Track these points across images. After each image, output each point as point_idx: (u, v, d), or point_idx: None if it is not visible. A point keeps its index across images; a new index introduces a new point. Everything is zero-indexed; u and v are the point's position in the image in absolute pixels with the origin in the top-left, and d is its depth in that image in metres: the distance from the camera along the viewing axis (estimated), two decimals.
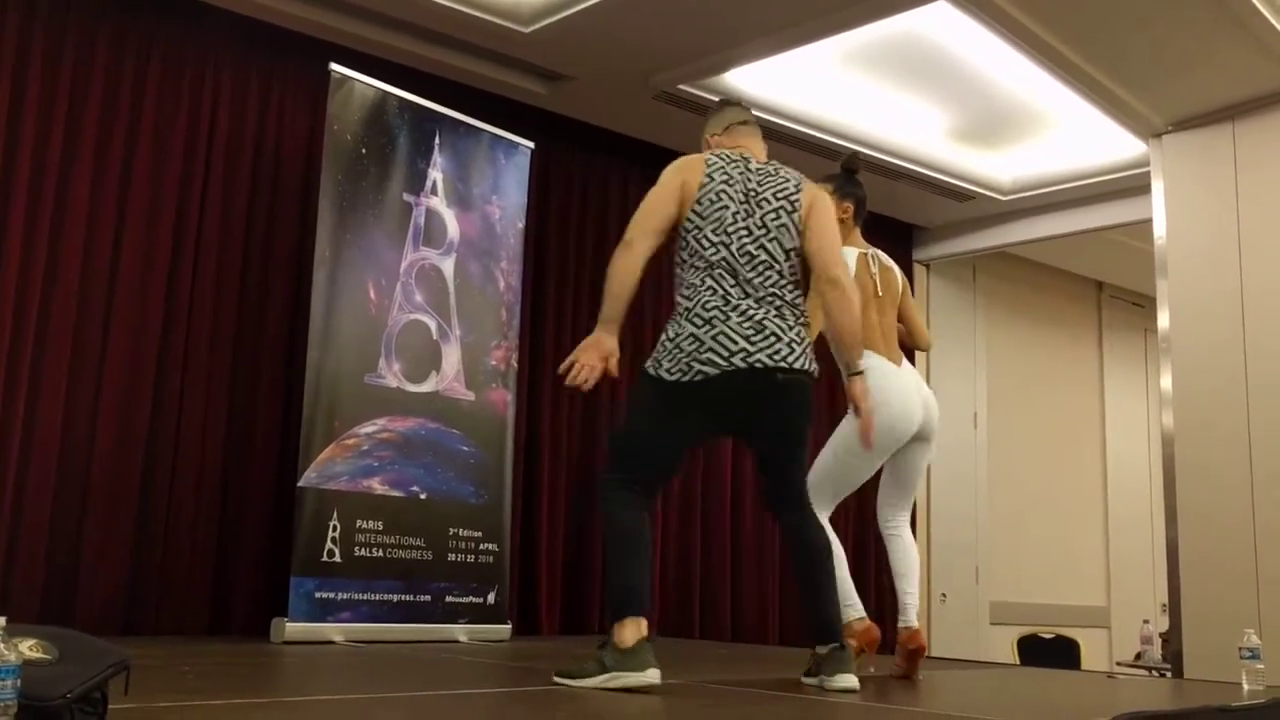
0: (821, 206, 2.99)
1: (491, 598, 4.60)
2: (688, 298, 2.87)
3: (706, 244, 2.86)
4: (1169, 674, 5.25)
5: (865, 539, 5.89)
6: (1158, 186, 5.28)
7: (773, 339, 2.79)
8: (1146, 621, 6.71)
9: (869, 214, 3.74)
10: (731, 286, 2.83)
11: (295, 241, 4.66)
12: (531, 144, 5.07)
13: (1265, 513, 4.68)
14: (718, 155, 2.98)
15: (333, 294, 4.27)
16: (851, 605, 3.36)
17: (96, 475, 4.11)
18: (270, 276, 4.62)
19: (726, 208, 2.88)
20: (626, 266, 2.85)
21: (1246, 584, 4.66)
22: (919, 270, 7.08)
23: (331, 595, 4.07)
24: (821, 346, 3.09)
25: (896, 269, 3.73)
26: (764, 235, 2.89)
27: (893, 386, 3.40)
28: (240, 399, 4.49)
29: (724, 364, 2.76)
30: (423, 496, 4.43)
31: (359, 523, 4.20)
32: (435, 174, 4.68)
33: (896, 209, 6.58)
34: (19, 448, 3.95)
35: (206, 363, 4.42)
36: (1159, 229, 5.25)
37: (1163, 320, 5.18)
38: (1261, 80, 4.76)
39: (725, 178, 2.92)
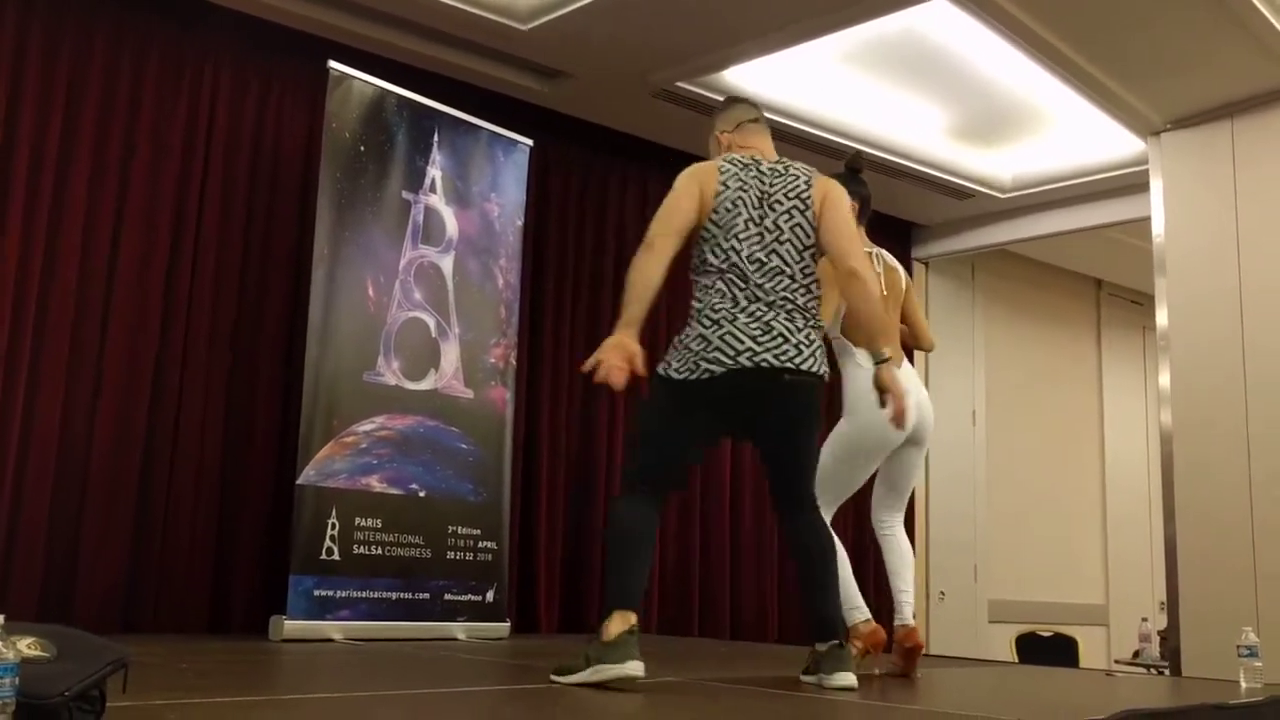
0: (834, 198, 3.00)
1: (490, 595, 4.60)
2: (698, 300, 2.90)
3: (719, 252, 2.88)
4: (1167, 672, 5.25)
5: (863, 541, 5.88)
6: (1156, 184, 5.28)
7: (780, 340, 2.80)
8: (1145, 619, 6.71)
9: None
10: (741, 290, 2.84)
11: (294, 239, 4.66)
12: (530, 142, 5.07)
13: (1264, 510, 4.69)
14: (730, 162, 2.99)
15: (331, 292, 4.27)
16: (857, 608, 3.36)
17: (95, 473, 4.11)
18: (269, 274, 4.62)
19: (740, 215, 2.90)
20: (649, 268, 2.85)
21: (1245, 582, 4.66)
22: (918, 268, 7.08)
23: (330, 593, 4.07)
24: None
25: (901, 269, 3.73)
26: (776, 239, 2.90)
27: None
28: (239, 397, 4.49)
29: (730, 362, 2.77)
30: (421, 494, 4.43)
31: (358, 520, 4.20)
32: (434, 172, 4.68)
33: (896, 207, 6.57)
34: (17, 445, 3.95)
35: (205, 361, 4.42)
36: (1158, 227, 5.25)
37: (1161, 318, 5.18)
38: (1260, 78, 4.76)
39: (740, 185, 2.93)
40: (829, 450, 3.39)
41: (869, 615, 3.39)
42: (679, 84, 5.19)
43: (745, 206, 2.91)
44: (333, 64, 4.39)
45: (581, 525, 5.43)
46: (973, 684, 3.65)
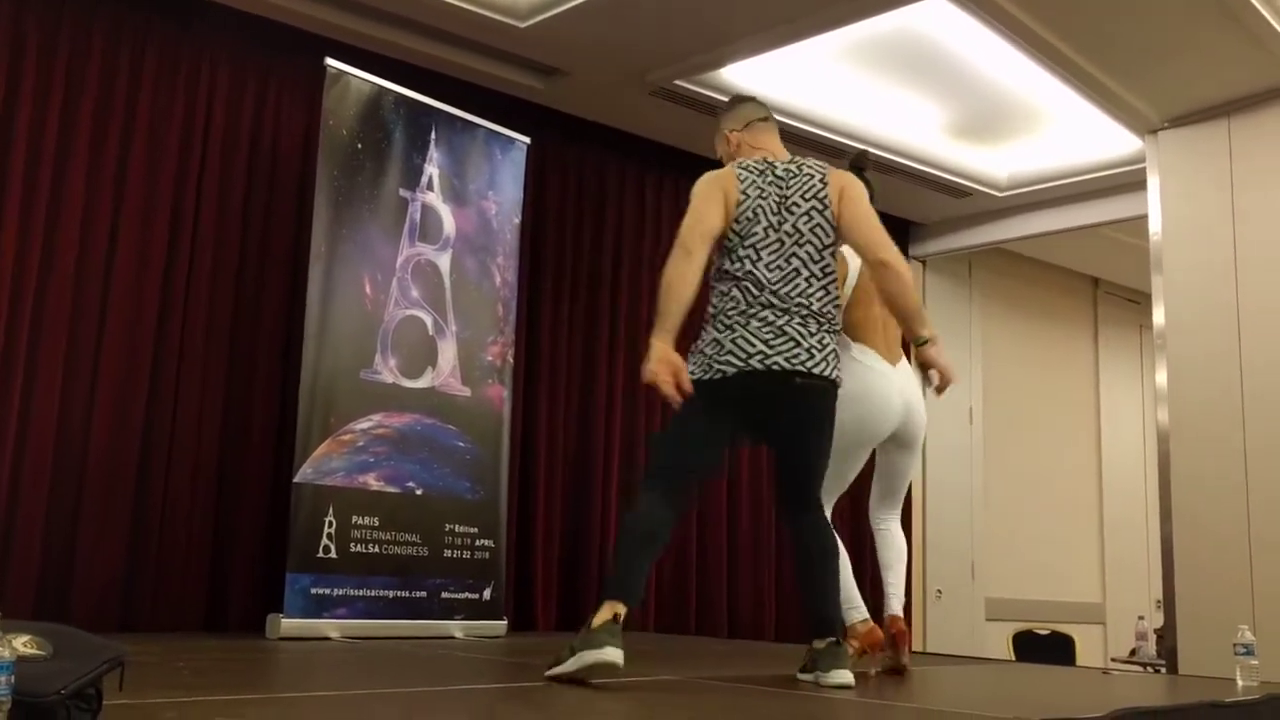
0: (851, 193, 3.01)
1: (487, 594, 4.60)
2: (713, 305, 2.92)
3: (736, 259, 2.90)
4: (1164, 670, 5.26)
5: (859, 538, 5.88)
6: (1153, 183, 5.28)
7: (791, 343, 2.82)
8: (1141, 618, 6.72)
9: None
10: (755, 297, 2.86)
11: (291, 237, 4.65)
12: (528, 139, 5.07)
13: (1260, 509, 4.69)
14: (746, 169, 2.99)
15: (328, 289, 4.26)
16: (855, 607, 3.37)
17: (92, 471, 4.10)
18: (266, 272, 4.62)
19: (759, 223, 2.91)
20: (688, 273, 2.85)
21: (1241, 580, 4.67)
22: (915, 266, 7.08)
23: (327, 591, 4.06)
24: None
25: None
26: (795, 243, 2.91)
27: (875, 384, 3.40)
28: (236, 394, 4.48)
29: (742, 364, 2.80)
30: (419, 492, 4.43)
31: (355, 519, 4.19)
32: (431, 169, 4.67)
33: (892, 205, 6.56)
34: (14, 443, 3.94)
35: (202, 358, 4.41)
36: (1154, 225, 5.25)
37: (1158, 316, 5.18)
38: (1257, 76, 4.77)
39: (759, 193, 2.94)
40: None
41: (867, 616, 3.40)
42: (677, 82, 5.19)
43: (764, 214, 2.92)
44: (330, 62, 4.38)
45: (579, 523, 5.43)
46: (969, 682, 3.66)
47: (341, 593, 4.11)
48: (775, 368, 2.80)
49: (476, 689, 2.79)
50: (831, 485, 3.45)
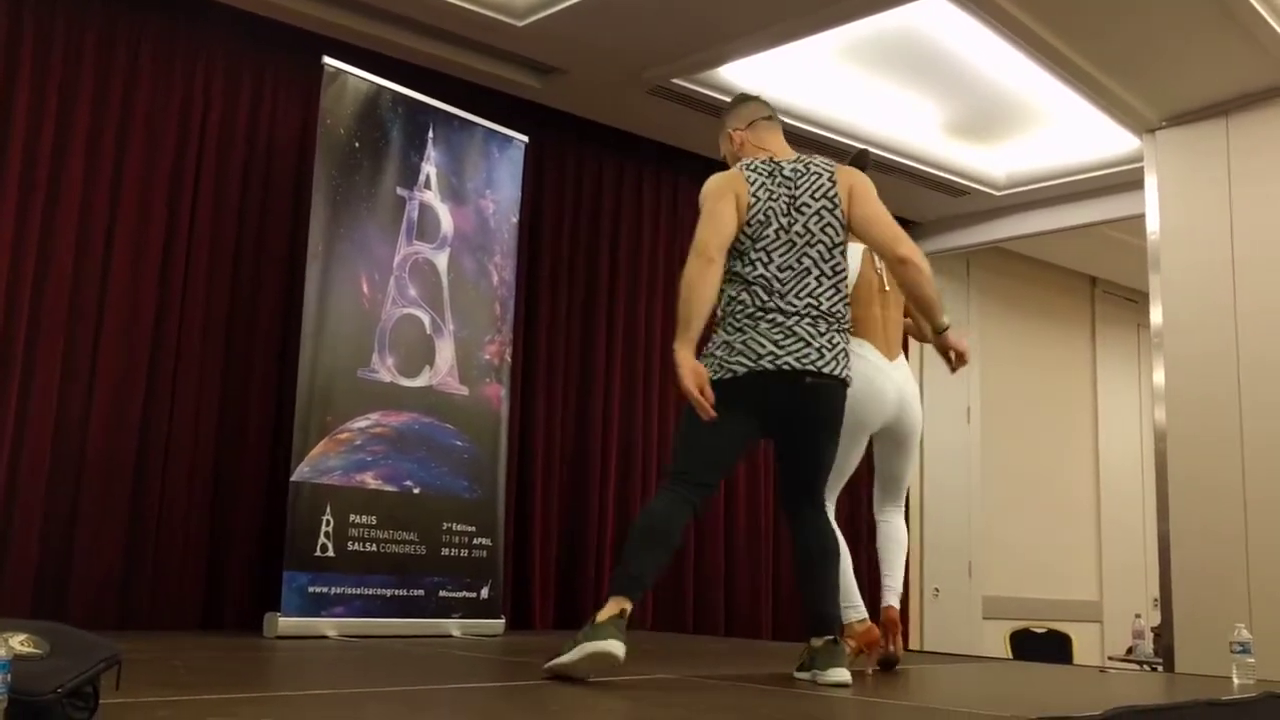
0: (860, 191, 3.02)
1: (485, 592, 4.60)
2: (724, 306, 2.91)
3: (748, 262, 2.90)
4: (1160, 668, 5.27)
5: (855, 533, 5.89)
6: (1151, 182, 5.28)
7: (801, 344, 2.83)
8: (1138, 616, 6.73)
9: None
10: (766, 299, 2.86)
11: (288, 236, 4.65)
12: (525, 138, 5.07)
13: (1257, 508, 4.69)
14: (754, 170, 2.99)
15: (326, 288, 4.26)
16: (854, 606, 3.39)
17: (89, 471, 4.10)
18: (263, 271, 4.61)
19: (770, 225, 2.91)
20: (710, 283, 2.85)
21: (1237, 579, 4.68)
22: None
23: (324, 590, 4.06)
24: None
25: None
26: (807, 243, 2.92)
27: (870, 374, 3.42)
28: (233, 393, 4.48)
29: (752, 364, 2.82)
30: (416, 491, 4.43)
31: (352, 517, 4.19)
32: (429, 168, 4.67)
33: (890, 204, 6.42)
34: (11, 441, 3.94)
35: (199, 357, 4.41)
36: (1152, 224, 5.25)
37: (1156, 315, 5.19)
38: (1255, 75, 4.77)
39: (769, 194, 2.94)
40: None
41: (865, 615, 3.42)
42: (674, 80, 5.19)
43: (775, 216, 2.92)
44: (327, 60, 4.38)
45: (576, 522, 5.43)
46: (966, 680, 3.66)
47: (339, 591, 4.11)
48: (786, 367, 2.81)
49: (474, 688, 2.79)
50: (832, 478, 3.46)
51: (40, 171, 4.12)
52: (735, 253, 2.92)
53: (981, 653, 6.18)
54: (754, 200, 2.93)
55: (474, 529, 4.60)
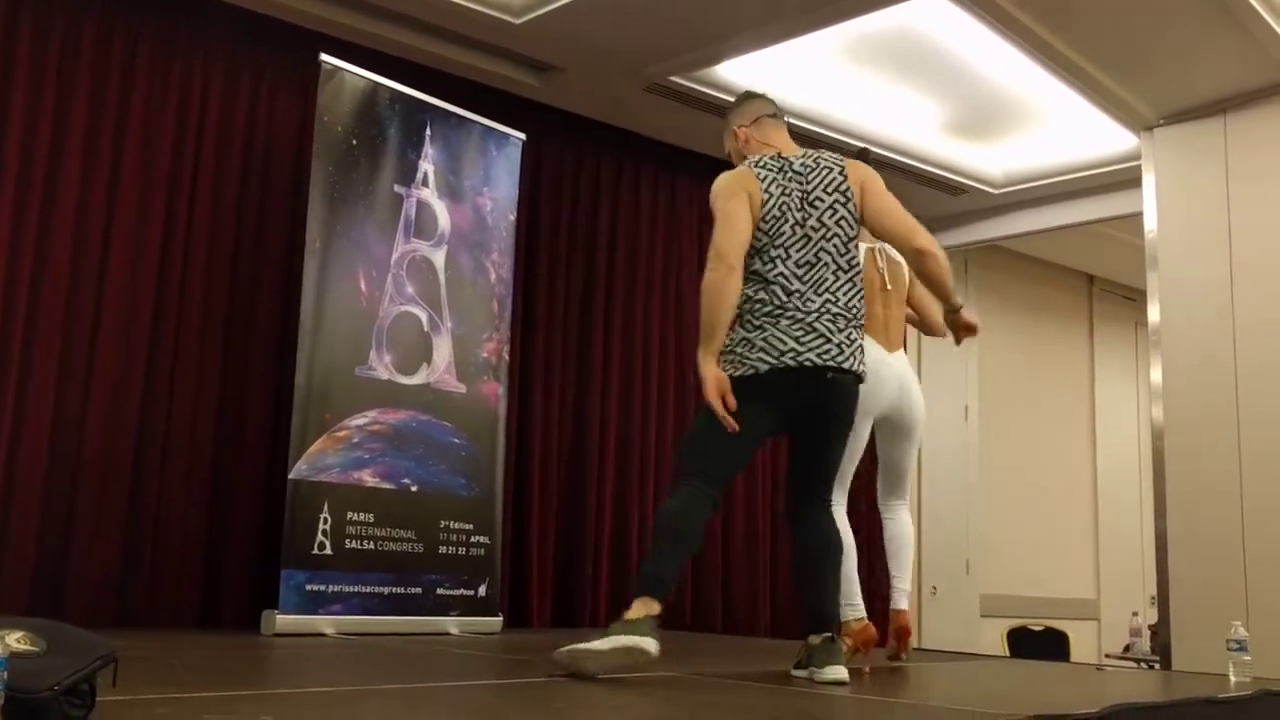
0: (872, 185, 3.03)
1: (483, 590, 4.60)
2: (742, 304, 2.89)
3: (767, 260, 2.89)
4: (1157, 666, 5.27)
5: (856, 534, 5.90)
6: (1149, 180, 5.28)
7: (822, 340, 2.84)
8: (1135, 614, 6.73)
9: None
10: (785, 298, 2.86)
11: (285, 233, 4.64)
12: (523, 135, 5.06)
13: (1254, 506, 4.70)
14: (763, 166, 2.98)
15: (323, 286, 4.26)
16: (852, 605, 3.40)
17: (87, 468, 4.10)
18: (260, 268, 4.61)
19: (786, 221, 2.91)
20: (733, 290, 2.85)
21: (1235, 577, 4.68)
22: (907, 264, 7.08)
23: (322, 588, 4.06)
24: None
25: (903, 261, 3.77)
26: (823, 238, 2.92)
27: (873, 367, 3.43)
28: (231, 391, 4.48)
29: (774, 361, 2.81)
30: (414, 489, 4.43)
31: (350, 515, 4.19)
32: (426, 165, 4.67)
33: None
34: (8, 440, 3.94)
35: (197, 355, 4.40)
36: (1150, 222, 5.25)
37: (1153, 314, 5.19)
38: (1253, 74, 4.77)
39: (782, 190, 2.94)
40: None
41: (863, 614, 3.44)
42: (672, 78, 5.18)
43: (790, 211, 2.92)
44: (325, 57, 4.37)
45: (574, 520, 5.43)
46: (964, 678, 3.66)
47: (336, 589, 4.10)
48: (807, 364, 2.82)
49: (471, 685, 2.79)
50: (841, 470, 3.47)
51: (37, 170, 4.11)
52: (753, 250, 2.91)
53: (979, 651, 6.18)
54: (767, 197, 2.92)
55: (471, 527, 4.60)
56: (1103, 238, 7.04)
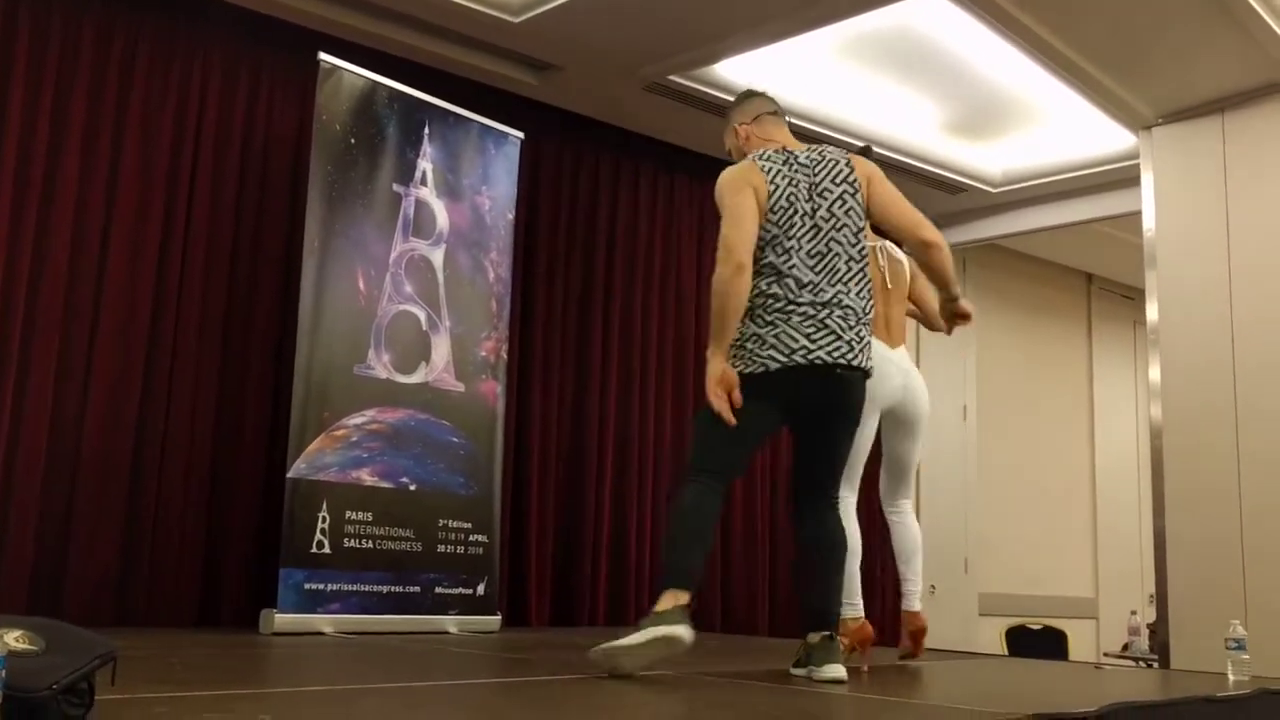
0: (877, 178, 3.05)
1: (481, 589, 4.60)
2: (755, 298, 2.88)
3: (780, 251, 2.88)
4: (1156, 665, 5.28)
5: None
6: (1147, 179, 5.28)
7: (833, 337, 2.84)
8: (1134, 613, 6.74)
9: None
10: (798, 290, 2.86)
11: (284, 232, 4.64)
12: (521, 134, 5.06)
13: (1253, 505, 4.70)
14: (767, 159, 2.98)
15: (322, 285, 4.26)
16: (852, 604, 3.41)
17: (85, 468, 4.09)
18: (259, 267, 4.61)
19: (795, 211, 2.91)
20: (743, 287, 2.83)
21: (1233, 576, 4.68)
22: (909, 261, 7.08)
23: (321, 587, 4.06)
24: None
25: (906, 260, 3.81)
26: (833, 228, 2.92)
27: (876, 363, 3.45)
28: (229, 390, 4.48)
29: (785, 359, 2.81)
30: (412, 488, 4.43)
31: (348, 514, 4.19)
32: (425, 164, 4.67)
33: None
34: (7, 439, 3.93)
35: (195, 354, 4.40)
36: (1148, 221, 5.26)
37: (1152, 313, 5.19)
38: (1251, 73, 4.77)
39: (788, 180, 2.93)
40: None
41: (861, 613, 3.45)
42: (670, 77, 5.18)
43: (799, 201, 2.92)
44: (323, 56, 4.37)
45: (572, 519, 5.43)
46: (962, 677, 3.66)
47: (335, 588, 4.10)
48: (818, 362, 2.82)
49: (470, 684, 2.79)
50: (851, 467, 3.47)
51: (35, 169, 4.11)
52: (766, 242, 2.89)
53: (977, 649, 6.18)
54: (773, 188, 2.91)
55: (470, 525, 4.60)
56: (1101, 237, 7.05)
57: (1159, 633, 5.06)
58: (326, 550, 4.10)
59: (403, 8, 4.66)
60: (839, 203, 2.94)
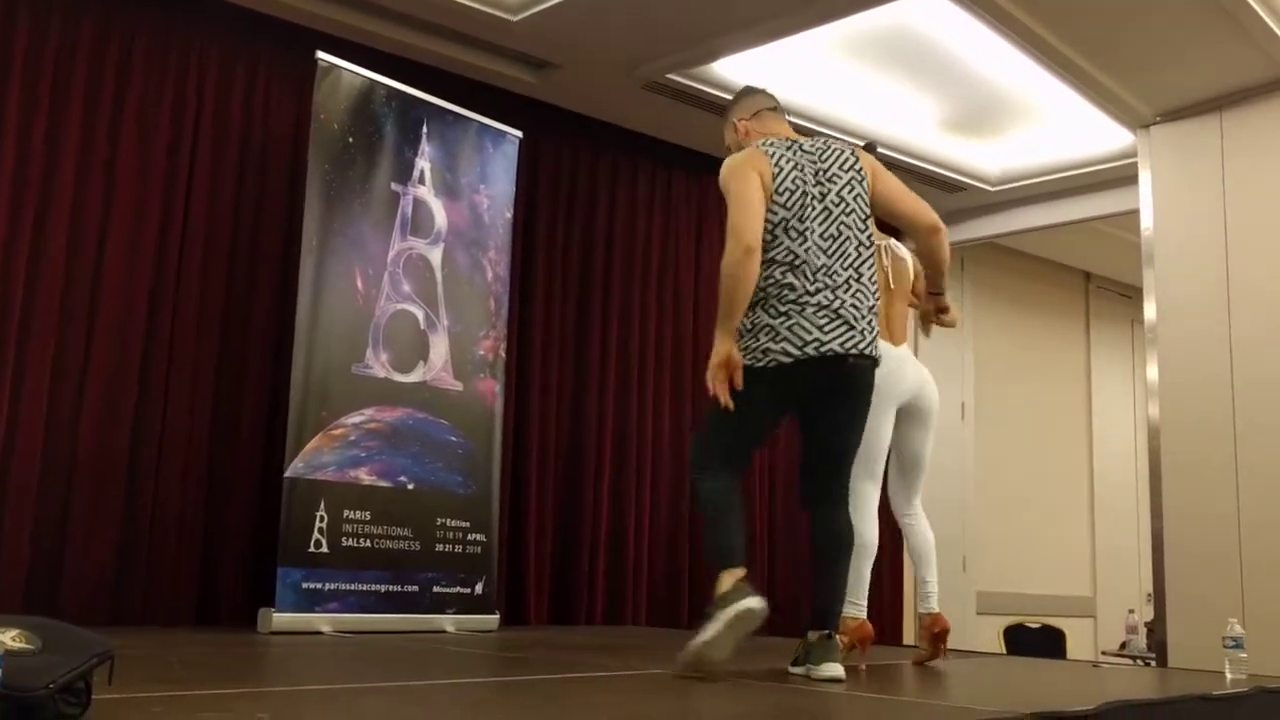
0: (881, 168, 3.08)
1: (479, 588, 4.60)
2: (763, 288, 2.86)
3: (794, 235, 2.87)
4: (1153, 663, 5.28)
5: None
6: (1145, 177, 5.29)
7: (845, 326, 2.84)
8: (1131, 611, 6.75)
9: None
10: (810, 278, 2.85)
11: (282, 231, 4.64)
12: (519, 133, 5.06)
13: (1250, 503, 4.70)
14: (770, 145, 2.97)
15: (320, 284, 4.26)
16: (855, 603, 3.41)
17: (82, 467, 4.09)
18: (257, 266, 4.60)
19: (805, 194, 2.91)
20: (753, 271, 2.82)
21: (1231, 574, 4.69)
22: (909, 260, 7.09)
23: (319, 586, 4.06)
24: None
25: (909, 258, 3.85)
26: (843, 212, 2.93)
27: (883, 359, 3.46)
28: (227, 389, 4.47)
29: (798, 352, 2.81)
30: (410, 487, 4.43)
31: (346, 513, 4.19)
32: (423, 163, 4.66)
33: None
34: (3, 438, 3.93)
35: (193, 353, 4.40)
36: (1146, 220, 5.26)
37: (1149, 311, 5.19)
38: (1249, 71, 4.77)
39: (794, 165, 2.94)
40: None
41: (863, 613, 3.44)
42: (668, 76, 5.18)
43: (805, 185, 2.92)
44: (321, 55, 4.37)
45: (571, 517, 5.42)
46: (960, 675, 3.66)
47: (333, 587, 4.10)
48: (830, 354, 2.82)
49: (468, 683, 2.79)
50: (865, 463, 3.47)
51: (33, 168, 4.10)
52: (778, 226, 2.87)
53: (975, 648, 6.18)
54: (778, 171, 2.91)
55: (468, 524, 4.60)
56: (1099, 235, 7.05)
57: (1156, 631, 5.06)
58: (324, 549, 4.10)
59: (401, 6, 4.66)
60: (847, 188, 2.95)
